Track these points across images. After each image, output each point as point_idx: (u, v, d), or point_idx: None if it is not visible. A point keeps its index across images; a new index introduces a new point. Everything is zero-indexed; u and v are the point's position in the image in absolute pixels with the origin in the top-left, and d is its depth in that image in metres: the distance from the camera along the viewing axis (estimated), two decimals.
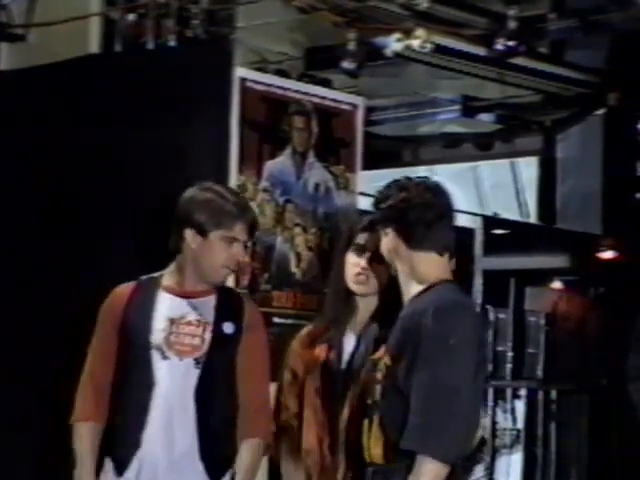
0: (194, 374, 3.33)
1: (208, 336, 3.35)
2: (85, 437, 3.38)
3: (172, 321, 3.35)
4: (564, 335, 6.93)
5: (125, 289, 3.45)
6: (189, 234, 3.36)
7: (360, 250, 3.26)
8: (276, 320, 4.75)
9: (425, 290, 2.87)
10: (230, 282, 4.57)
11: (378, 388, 2.83)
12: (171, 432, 3.30)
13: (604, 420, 6.89)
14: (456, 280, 3.16)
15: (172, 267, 3.44)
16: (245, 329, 3.39)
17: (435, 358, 2.72)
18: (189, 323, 3.35)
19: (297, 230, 4.87)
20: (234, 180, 4.67)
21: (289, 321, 4.80)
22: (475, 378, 2.77)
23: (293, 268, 4.83)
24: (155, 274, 3.46)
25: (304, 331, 3.46)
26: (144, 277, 3.47)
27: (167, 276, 3.44)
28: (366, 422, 2.85)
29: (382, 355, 2.86)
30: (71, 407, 3.42)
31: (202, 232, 3.34)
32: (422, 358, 2.73)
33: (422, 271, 2.89)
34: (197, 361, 3.33)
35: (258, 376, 3.43)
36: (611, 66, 7.21)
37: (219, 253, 3.34)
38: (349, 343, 3.27)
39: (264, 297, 4.72)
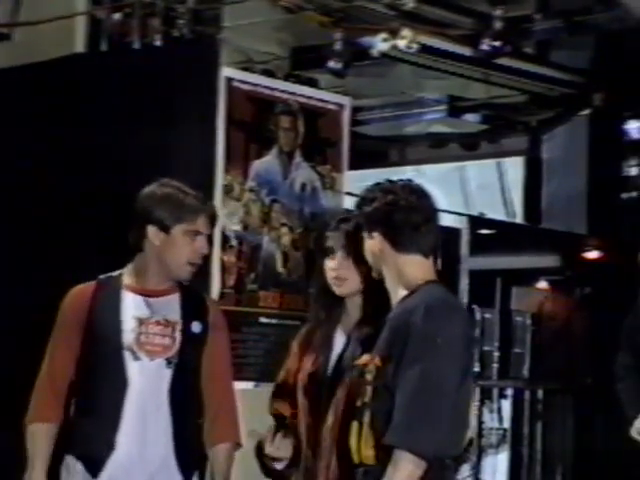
0: (166, 374, 3.31)
1: (178, 335, 3.33)
2: (39, 439, 3.34)
3: (140, 321, 3.33)
4: (550, 335, 6.94)
5: (86, 288, 3.41)
6: (151, 231, 3.33)
7: (330, 252, 3.25)
8: (262, 320, 4.75)
9: (413, 292, 2.87)
10: (216, 282, 4.58)
11: (369, 389, 2.82)
12: (144, 433, 3.28)
13: (589, 419, 6.91)
14: (442, 280, 3.17)
15: (131, 266, 3.41)
16: (210, 328, 3.39)
17: (422, 356, 2.72)
18: (157, 323, 3.33)
19: (283, 230, 4.86)
20: (220, 180, 4.66)
21: (275, 321, 4.80)
22: (463, 378, 2.78)
23: (279, 268, 4.83)
24: (114, 273, 3.42)
25: (303, 331, 3.41)
26: (103, 276, 3.44)
27: (127, 275, 3.40)
28: (355, 424, 2.84)
29: (370, 360, 2.85)
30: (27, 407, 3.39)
31: (164, 228, 3.32)
32: (409, 356, 2.73)
33: (408, 273, 2.89)
34: (169, 361, 3.31)
35: (225, 378, 3.44)
36: (596, 66, 7.23)
37: (183, 248, 3.32)
38: (338, 344, 3.26)
39: (250, 297, 4.71)
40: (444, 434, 2.73)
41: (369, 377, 2.82)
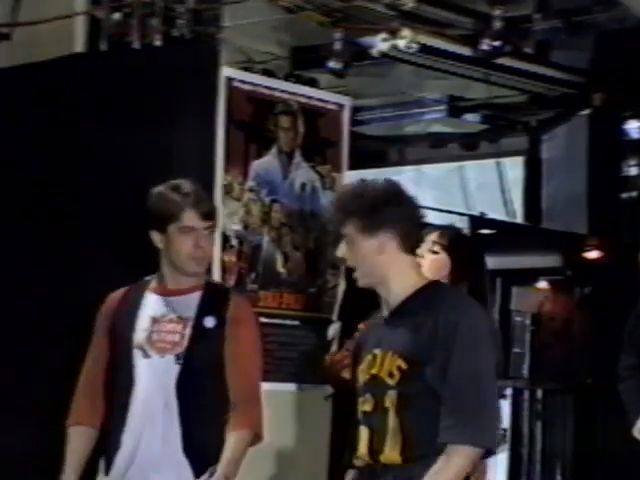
0: (175, 370, 3.29)
1: (188, 331, 3.32)
2: (72, 442, 3.37)
3: (154, 320, 3.34)
4: (550, 335, 6.94)
5: (117, 293, 3.46)
6: (154, 235, 3.36)
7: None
8: (262, 320, 4.75)
9: (419, 291, 2.84)
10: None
11: (392, 394, 2.77)
12: (153, 430, 3.27)
13: (589, 419, 6.91)
14: None
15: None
16: (230, 322, 3.34)
17: (471, 352, 2.72)
18: (170, 320, 3.33)
19: (284, 230, 4.87)
20: (220, 180, 4.67)
21: (275, 321, 4.80)
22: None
23: (280, 268, 4.84)
24: (148, 277, 3.46)
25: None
26: (140, 281, 3.46)
27: (155, 278, 3.43)
28: (365, 430, 2.80)
29: (390, 364, 2.79)
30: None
31: (161, 229, 3.33)
32: (454, 355, 2.71)
33: (412, 274, 2.87)
34: (178, 357, 3.30)
35: (245, 368, 3.38)
36: (596, 66, 7.22)
37: (182, 245, 3.31)
38: None
39: (251, 297, 4.71)
40: (497, 423, 2.81)
41: (391, 382, 2.78)
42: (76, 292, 4.58)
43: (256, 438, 3.37)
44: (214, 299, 3.38)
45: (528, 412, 6.94)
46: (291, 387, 4.80)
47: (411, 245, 2.88)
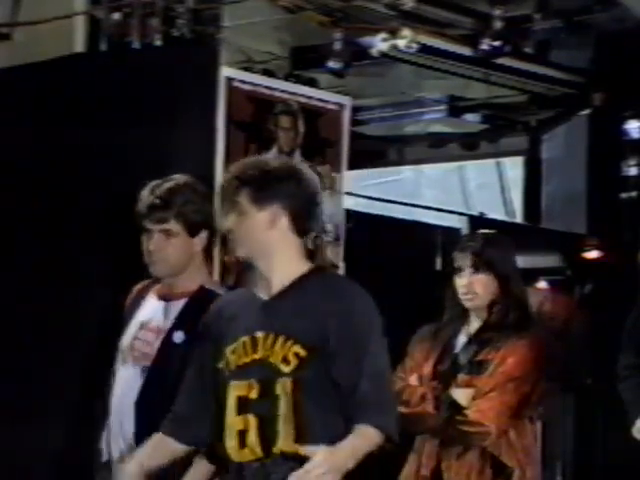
0: (138, 384, 3.12)
1: (157, 344, 3.13)
2: None
3: (142, 325, 3.19)
4: (550, 335, 6.93)
5: (137, 287, 3.31)
6: None
7: (459, 270, 3.45)
8: None
9: (306, 276, 2.73)
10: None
11: (285, 381, 2.64)
12: (123, 440, 3.13)
13: (589, 419, 6.91)
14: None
15: None
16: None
17: (382, 351, 2.70)
18: (151, 329, 3.16)
19: None
20: (220, 180, 4.66)
21: None
22: None
23: None
24: None
25: (427, 333, 3.54)
26: None
27: None
28: (252, 418, 2.66)
29: (285, 349, 2.66)
30: None
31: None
32: (372, 351, 2.67)
33: (296, 257, 2.75)
34: (143, 370, 3.13)
35: None
36: (596, 66, 7.23)
37: (142, 245, 3.19)
38: (460, 343, 3.46)
39: None
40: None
41: (285, 368, 2.65)
42: (77, 291, 4.58)
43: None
44: (194, 310, 3.09)
45: None
46: None
47: (302, 228, 2.76)
